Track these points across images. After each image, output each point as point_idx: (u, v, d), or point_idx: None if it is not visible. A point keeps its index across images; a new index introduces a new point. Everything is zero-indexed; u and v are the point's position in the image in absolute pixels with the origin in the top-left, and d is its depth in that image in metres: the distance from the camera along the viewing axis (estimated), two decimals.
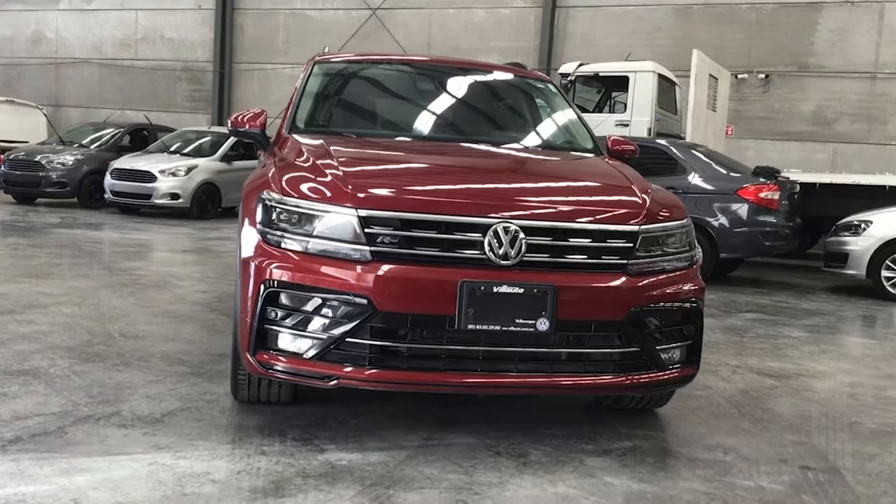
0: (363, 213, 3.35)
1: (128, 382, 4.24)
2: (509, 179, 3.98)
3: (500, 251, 3.34)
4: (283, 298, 3.40)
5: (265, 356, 3.43)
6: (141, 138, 17.74)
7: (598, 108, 14.30)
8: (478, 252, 3.34)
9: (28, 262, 8.58)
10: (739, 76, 17.58)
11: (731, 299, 8.99)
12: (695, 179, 10.16)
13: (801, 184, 11.24)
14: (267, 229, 3.49)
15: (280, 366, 3.41)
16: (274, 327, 3.42)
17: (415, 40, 20.52)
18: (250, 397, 3.88)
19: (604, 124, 12.56)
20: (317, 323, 3.36)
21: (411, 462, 3.35)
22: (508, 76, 5.31)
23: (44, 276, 7.66)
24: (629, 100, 12.97)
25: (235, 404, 3.96)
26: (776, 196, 9.97)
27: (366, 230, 3.33)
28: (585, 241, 3.48)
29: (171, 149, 16.19)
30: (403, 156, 4.23)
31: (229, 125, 4.72)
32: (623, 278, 3.48)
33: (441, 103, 5.02)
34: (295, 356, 3.38)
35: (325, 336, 3.33)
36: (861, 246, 9.83)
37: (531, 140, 4.79)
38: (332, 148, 3.92)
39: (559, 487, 3.20)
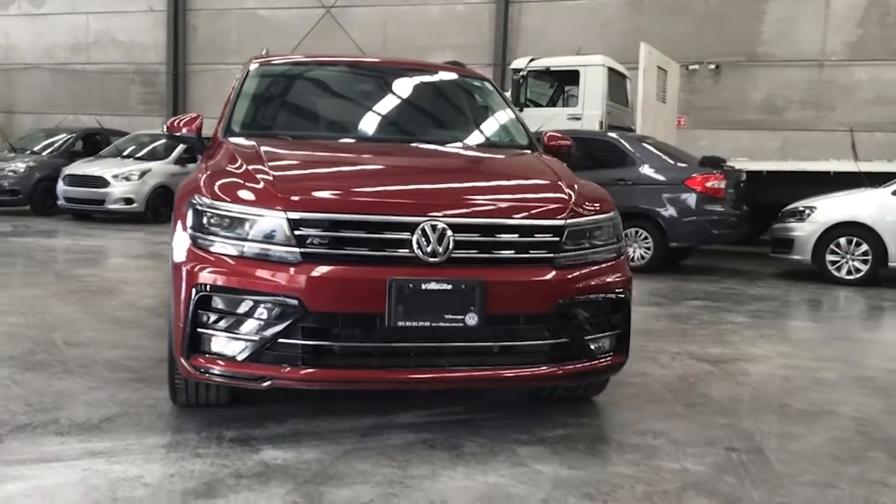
0: (292, 215, 3.40)
1: (68, 390, 4.26)
2: (439, 178, 4.05)
3: (429, 249, 3.40)
4: (215, 302, 3.45)
5: (199, 360, 3.48)
6: (94, 143, 17.57)
7: (552, 103, 14.42)
8: (407, 251, 3.41)
9: None
10: (690, 67, 17.81)
11: (679, 287, 9.14)
12: (644, 171, 10.32)
13: (749, 172, 11.44)
14: (197, 233, 3.53)
15: (214, 369, 3.46)
16: (207, 331, 3.46)
17: (370, 38, 20.52)
18: (189, 401, 3.92)
19: (556, 118, 12.70)
20: (249, 325, 3.41)
21: (346, 459, 3.41)
22: (446, 75, 5.38)
23: None
24: (580, 93, 13.10)
25: (175, 408, 3.99)
26: (722, 185, 10.15)
27: (295, 232, 3.39)
28: (513, 237, 3.56)
29: (125, 153, 16.06)
30: (335, 157, 4.28)
31: (165, 130, 4.74)
32: (550, 272, 3.57)
33: (378, 103, 5.07)
34: (228, 359, 3.43)
35: (257, 338, 3.38)
36: (806, 231, 10.04)
37: (467, 138, 4.86)
38: (263, 150, 3.96)
39: (490, 477, 3.28)
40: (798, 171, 12.04)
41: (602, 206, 3.92)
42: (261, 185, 3.55)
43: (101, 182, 14.71)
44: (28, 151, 16.81)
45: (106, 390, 4.28)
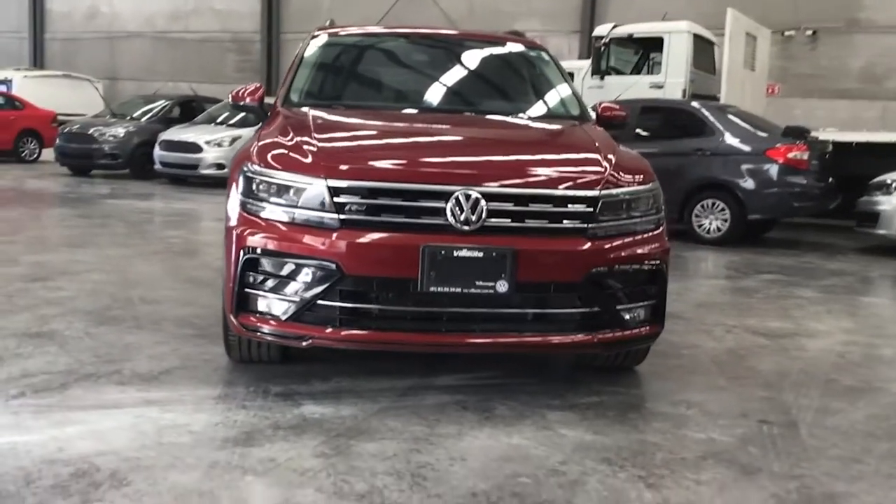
0: (332, 183, 3.56)
1: (136, 343, 4.55)
2: (478, 148, 4.15)
3: (462, 217, 3.52)
4: (261, 264, 3.65)
5: (246, 318, 3.70)
6: (189, 110, 18.19)
7: (637, 71, 14.23)
8: (441, 219, 3.53)
9: (71, 232, 9.03)
10: (786, 33, 17.28)
11: (754, 261, 9.00)
12: (723, 140, 10.14)
13: (836, 143, 11.09)
14: (247, 199, 3.74)
15: (259, 327, 3.67)
16: (253, 291, 3.68)
17: (457, 6, 20.57)
18: (242, 357, 4.15)
19: (637, 86, 12.55)
20: (291, 287, 3.61)
21: (380, 416, 3.58)
22: (501, 46, 5.45)
23: (83, 245, 8.07)
24: (663, 61, 12.89)
25: (230, 363, 4.23)
26: (805, 156, 9.90)
27: (335, 199, 3.55)
28: (546, 207, 3.64)
29: (218, 120, 16.58)
30: (382, 127, 4.42)
31: (230, 99, 4.96)
32: (583, 241, 3.64)
33: (432, 74, 5.18)
34: (272, 318, 3.64)
35: (298, 299, 3.57)
36: (893, 205, 9.71)
37: (518, 108, 4.93)
38: (313, 120, 4.14)
39: (514, 439, 3.40)
40: (889, 142, 11.59)
41: (641, 177, 3.95)
42: (306, 154, 3.73)
43: (194, 148, 15.26)
44: (127, 117, 17.53)
45: (170, 345, 4.56)
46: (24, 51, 27.33)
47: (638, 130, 10.74)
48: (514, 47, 5.42)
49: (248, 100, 4.85)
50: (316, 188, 3.58)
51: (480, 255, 3.49)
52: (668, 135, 10.65)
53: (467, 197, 3.53)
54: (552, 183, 3.70)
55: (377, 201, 3.55)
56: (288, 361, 4.23)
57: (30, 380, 3.85)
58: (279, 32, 23.19)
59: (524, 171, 3.80)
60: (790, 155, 9.84)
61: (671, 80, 12.66)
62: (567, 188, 3.69)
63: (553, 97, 5.08)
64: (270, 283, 3.65)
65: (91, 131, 16.54)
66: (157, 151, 15.65)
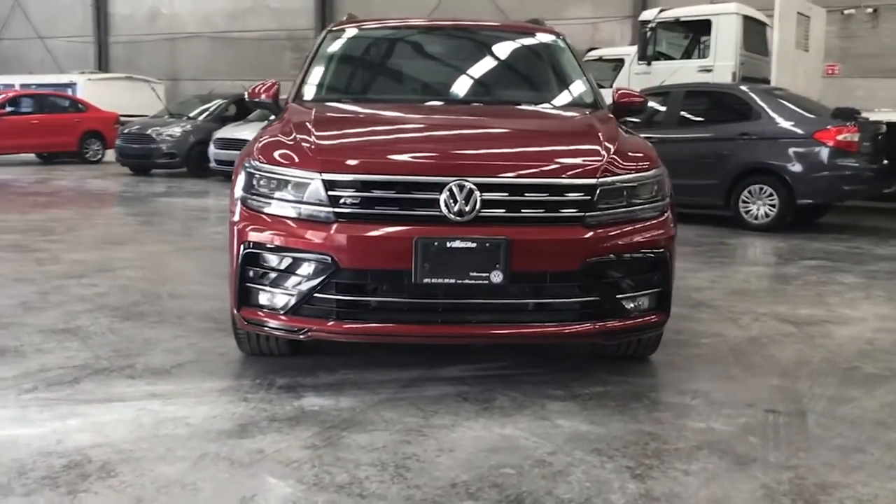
0: (326, 177, 3.59)
1: (155, 338, 4.66)
2: (475, 138, 4.14)
3: (456, 208, 3.51)
4: (259, 258, 3.71)
5: (248, 312, 3.76)
6: (244, 108, 18.45)
7: (687, 55, 13.98)
8: (435, 210, 3.53)
9: (117, 230, 9.27)
10: (846, 12, 16.75)
11: (800, 246, 8.77)
12: (770, 124, 9.87)
13: (890, 124, 10.72)
14: (247, 194, 3.80)
15: (260, 320, 3.73)
16: (254, 285, 3.73)
17: None
18: (252, 350, 4.22)
19: (682, 71, 12.33)
20: (289, 280, 3.65)
21: (378, 408, 3.60)
22: (514, 34, 5.41)
23: (126, 242, 8.28)
24: (712, 44, 12.63)
25: (242, 357, 4.30)
26: (856, 138, 9.58)
27: (329, 193, 3.58)
28: (542, 196, 3.61)
29: (271, 117, 16.76)
30: (383, 119, 4.43)
31: (247, 96, 5.04)
32: (580, 230, 3.60)
33: (442, 65, 5.18)
34: (271, 311, 3.69)
35: (295, 292, 3.62)
36: None
37: (527, 97, 4.90)
38: (314, 116, 4.17)
39: (507, 429, 3.38)
40: None
41: (643, 163, 3.89)
42: (303, 150, 3.76)
43: (246, 145, 15.46)
44: (184, 117, 17.89)
45: (188, 339, 4.65)
46: (89, 54, 28.11)
47: (683, 115, 10.57)
48: (527, 35, 5.37)
49: (263, 96, 4.92)
50: (311, 182, 3.61)
51: (474, 245, 3.48)
52: (714, 119, 10.44)
53: (461, 187, 3.52)
54: (548, 172, 3.67)
55: (371, 194, 3.57)
56: (298, 354, 4.28)
57: (45, 374, 3.97)
58: None
59: (519, 160, 3.78)
60: (840, 137, 9.54)
61: (720, 63, 12.40)
62: (563, 176, 3.65)
63: (564, 85, 5.02)
64: (270, 277, 3.70)
65: (149, 131, 16.93)
66: (212, 149, 15.93)
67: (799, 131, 9.71)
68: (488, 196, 3.54)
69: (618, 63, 14.23)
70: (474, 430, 3.38)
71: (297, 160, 3.72)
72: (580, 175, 3.66)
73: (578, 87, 4.97)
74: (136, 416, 3.46)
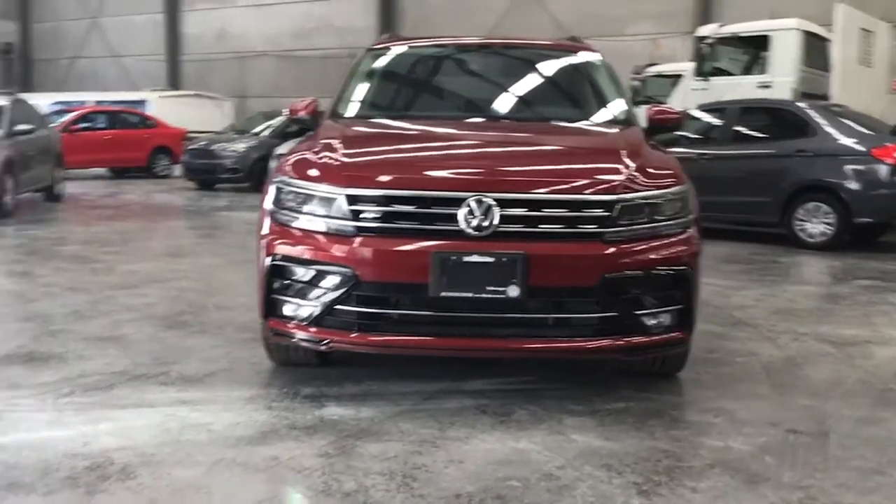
0: (349, 191, 3.69)
1: (194, 347, 4.80)
2: (499, 154, 4.18)
3: (474, 223, 3.57)
4: (285, 271, 3.81)
5: (275, 322, 3.87)
6: (306, 124, 18.78)
7: (747, 70, 13.79)
8: (454, 225, 3.59)
9: (175, 243, 9.55)
10: None
11: (855, 266, 8.55)
12: (827, 141, 9.66)
13: None
14: (275, 208, 3.92)
15: (285, 331, 3.84)
16: (279, 296, 3.84)
17: (566, 12, 20.45)
18: (281, 360, 4.32)
19: (743, 87, 12.16)
20: (312, 292, 3.75)
21: (396, 419, 3.66)
22: (549, 52, 5.45)
23: (181, 254, 8.53)
24: (771, 60, 12.44)
25: (273, 367, 4.40)
26: None
27: (351, 207, 3.67)
28: (560, 212, 3.64)
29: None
30: (408, 137, 4.50)
31: (287, 112, 5.17)
32: (598, 246, 3.62)
33: (474, 83, 5.25)
34: (295, 322, 3.79)
35: (318, 304, 3.71)
36: None
37: (555, 114, 4.91)
38: (343, 132, 4.28)
39: (521, 443, 3.41)
40: None
41: (667, 180, 3.89)
42: (328, 165, 3.87)
43: None
44: (248, 133, 18.30)
45: (225, 348, 4.78)
46: (161, 72, 28.95)
47: (738, 131, 10.44)
48: (563, 53, 5.40)
49: (302, 113, 5.05)
50: (335, 197, 3.71)
51: (491, 260, 3.53)
52: (770, 136, 10.28)
53: (479, 203, 3.57)
54: (567, 188, 3.70)
55: (392, 209, 3.65)
56: (327, 365, 4.36)
57: (84, 380, 4.14)
58: None
59: (539, 176, 3.82)
60: None
61: (779, 79, 12.19)
62: (582, 193, 3.68)
63: (598, 102, 5.03)
64: (294, 288, 3.80)
65: (214, 147, 17.35)
66: (271, 165, 16.26)
67: (856, 148, 9.49)
68: (507, 212, 3.59)
69: (677, 79, 14.13)
70: (488, 442, 3.42)
71: (322, 175, 3.82)
72: (600, 191, 3.68)
73: (612, 104, 4.97)
74: (162, 422, 3.58)
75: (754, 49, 13.24)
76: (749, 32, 12.81)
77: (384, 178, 3.74)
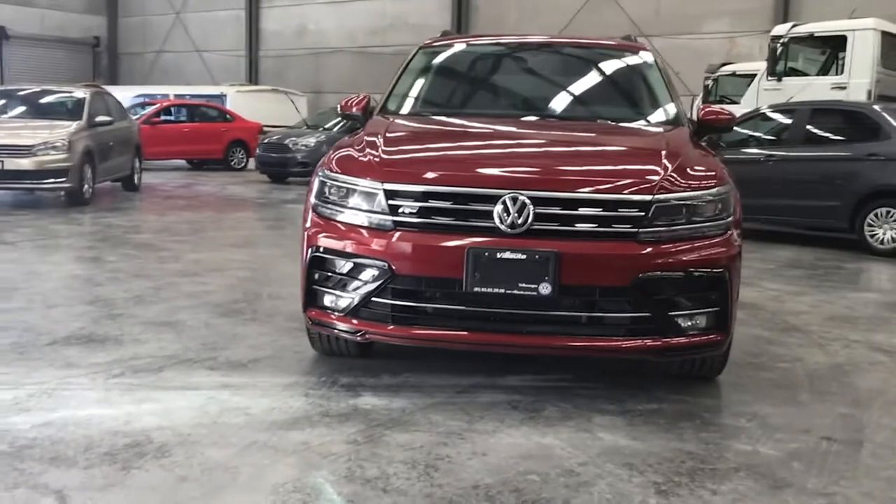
0: (388, 186, 3.78)
1: (243, 334, 4.96)
2: (538, 153, 4.22)
3: (509, 220, 3.62)
4: (324, 262, 3.93)
5: (315, 312, 3.98)
6: None
7: (824, 71, 13.47)
8: (489, 221, 3.65)
9: (241, 233, 9.80)
10: None
11: None
12: None
13: None
14: (317, 201, 4.04)
15: (324, 321, 3.95)
16: (319, 287, 3.96)
17: (642, 10, 20.22)
18: (324, 350, 4.44)
19: (816, 87, 11.89)
20: (349, 284, 3.85)
21: (427, 410, 3.73)
22: (600, 51, 5.43)
23: (245, 245, 8.76)
24: (847, 60, 12.13)
25: (316, 355, 4.52)
26: None
27: (389, 202, 3.76)
28: (595, 211, 3.66)
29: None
30: (450, 134, 4.58)
31: (339, 109, 5.29)
32: (633, 246, 3.63)
33: (524, 81, 5.28)
34: (333, 313, 3.90)
35: (354, 296, 3.82)
36: None
37: (602, 113, 4.91)
38: (387, 128, 4.37)
39: (547, 439, 3.45)
40: None
41: (707, 181, 3.87)
42: (369, 160, 3.96)
43: None
44: (319, 128, 18.62)
45: (272, 336, 4.93)
46: (241, 67, 29.63)
47: (809, 133, 10.21)
48: (615, 52, 5.39)
49: (354, 109, 5.14)
50: (374, 191, 3.80)
51: (523, 257, 3.57)
52: (841, 139, 10.04)
53: (514, 200, 3.62)
54: (602, 188, 3.71)
55: (428, 204, 3.72)
56: (368, 356, 4.46)
57: (135, 362, 4.32)
58: None
59: (575, 175, 3.84)
60: None
61: (855, 80, 11.89)
62: (618, 193, 3.69)
63: (646, 101, 5.01)
64: (333, 280, 3.91)
65: (286, 141, 17.70)
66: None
67: None
68: (542, 210, 3.62)
69: (751, 78, 13.89)
70: (513, 437, 3.46)
71: (362, 170, 3.92)
72: (636, 192, 3.69)
73: (660, 104, 4.94)
74: (203, 404, 3.73)
75: (830, 49, 12.94)
76: (824, 32, 12.52)
77: (422, 174, 3.82)
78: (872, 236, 9.48)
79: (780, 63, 12.51)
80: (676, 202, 3.72)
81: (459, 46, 5.64)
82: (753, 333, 5.39)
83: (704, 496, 2.96)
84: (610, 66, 5.34)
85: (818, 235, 10.47)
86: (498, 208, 3.63)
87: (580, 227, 3.65)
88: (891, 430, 3.69)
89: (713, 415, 3.87)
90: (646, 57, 5.28)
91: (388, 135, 4.25)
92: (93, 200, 11.76)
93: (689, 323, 3.74)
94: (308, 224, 4.04)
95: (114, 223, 10.03)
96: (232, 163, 21.23)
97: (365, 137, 4.27)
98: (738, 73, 15.20)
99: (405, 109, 4.99)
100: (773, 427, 3.69)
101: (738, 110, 12.34)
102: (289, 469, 3.08)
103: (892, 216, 9.36)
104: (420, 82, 5.27)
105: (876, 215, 9.47)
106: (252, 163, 20.34)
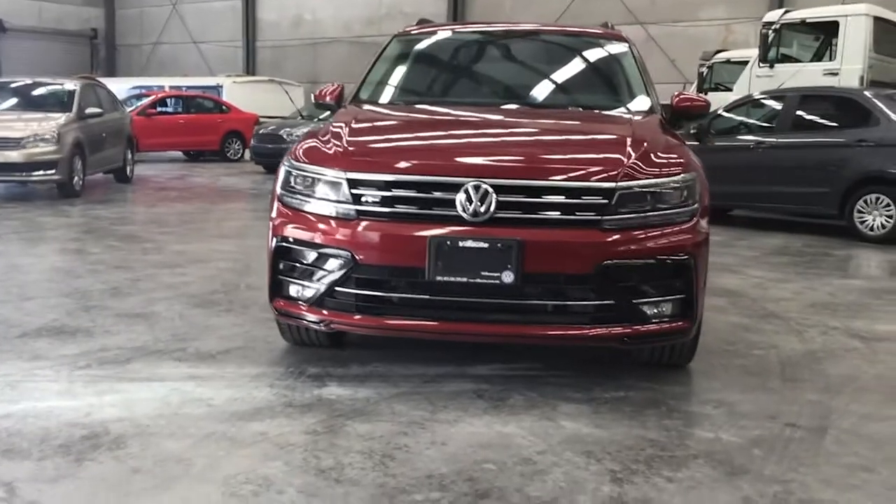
0: (350, 175, 3.75)
1: (215, 325, 4.95)
2: (502, 141, 4.18)
3: (471, 209, 3.59)
4: (288, 252, 3.90)
5: (280, 303, 3.97)
6: None
7: (817, 57, 13.39)
8: (451, 210, 3.62)
9: (229, 225, 9.78)
10: None
11: None
12: (890, 130, 9.33)
13: None
14: (283, 191, 4.01)
15: (290, 311, 3.93)
16: (284, 278, 3.94)
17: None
18: (294, 340, 4.42)
19: (808, 74, 11.83)
20: (314, 274, 3.83)
21: (391, 400, 3.71)
22: (571, 38, 5.39)
23: (231, 236, 8.75)
24: (839, 46, 12.06)
25: (286, 346, 4.51)
26: None
27: (352, 191, 3.74)
28: (558, 199, 3.63)
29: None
30: (416, 122, 4.55)
31: (313, 99, 5.26)
32: (595, 233, 3.60)
33: (494, 69, 5.25)
34: (298, 303, 3.88)
35: (318, 285, 3.80)
36: None
37: (573, 101, 4.87)
38: (354, 118, 4.34)
39: (508, 427, 3.43)
40: None
41: (672, 168, 3.84)
42: (332, 149, 3.94)
43: None
44: (315, 119, 18.55)
45: (244, 327, 4.91)
46: (238, 58, 29.56)
47: (798, 119, 10.15)
48: (590, 39, 5.35)
49: (328, 98, 5.12)
50: (338, 181, 3.78)
51: (486, 245, 3.55)
52: (832, 125, 9.99)
53: (477, 189, 3.59)
54: (565, 175, 3.68)
55: (391, 193, 3.70)
56: (339, 346, 4.45)
57: (103, 354, 4.31)
58: None
59: (538, 163, 3.81)
60: None
61: (847, 66, 11.82)
62: (581, 180, 3.66)
63: (618, 89, 4.98)
64: (297, 270, 3.89)
65: (281, 132, 17.65)
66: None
67: None
68: (504, 198, 3.59)
69: (746, 65, 13.82)
70: (475, 426, 3.45)
71: (326, 159, 3.90)
72: (599, 179, 3.66)
73: (634, 92, 4.91)
74: (166, 395, 3.71)
75: (822, 35, 12.87)
76: (816, 18, 12.45)
77: (385, 163, 3.80)
78: (862, 223, 9.44)
79: (773, 49, 12.44)
80: (640, 189, 3.69)
81: (435, 35, 5.61)
82: (731, 321, 5.37)
83: (659, 483, 2.94)
84: (585, 54, 5.29)
85: (808, 222, 10.44)
86: (461, 197, 3.60)
87: (544, 214, 3.62)
88: (857, 417, 3.67)
89: (679, 402, 3.85)
90: (621, 44, 5.24)
91: (354, 125, 4.23)
92: (83, 192, 11.75)
93: (655, 310, 3.72)
94: (273, 214, 4.02)
95: (102, 215, 10.01)
96: (228, 154, 21.22)
97: (331, 127, 4.24)
98: (732, 60, 15.12)
99: (377, 98, 4.97)
100: (739, 414, 3.67)
101: (731, 97, 12.31)
102: (243, 460, 3.06)
103: (881, 202, 9.31)
104: (393, 71, 5.24)
105: (866, 202, 9.42)
106: (248, 154, 20.33)
